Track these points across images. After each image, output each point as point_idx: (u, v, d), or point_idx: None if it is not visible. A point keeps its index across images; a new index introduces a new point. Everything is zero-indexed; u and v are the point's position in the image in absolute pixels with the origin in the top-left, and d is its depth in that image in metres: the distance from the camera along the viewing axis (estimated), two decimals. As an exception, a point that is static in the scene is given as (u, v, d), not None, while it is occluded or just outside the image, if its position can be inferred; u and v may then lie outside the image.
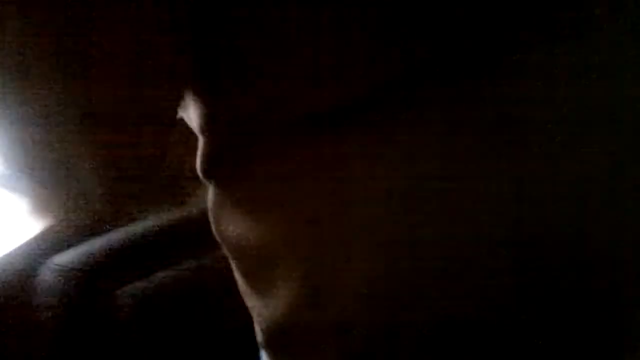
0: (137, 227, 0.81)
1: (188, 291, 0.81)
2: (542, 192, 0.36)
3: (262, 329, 0.44)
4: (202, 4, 0.36)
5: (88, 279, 0.76)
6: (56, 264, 0.74)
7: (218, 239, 0.45)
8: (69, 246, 0.76)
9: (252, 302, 0.44)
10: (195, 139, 0.44)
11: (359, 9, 0.34)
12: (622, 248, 0.38)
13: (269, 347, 0.45)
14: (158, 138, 0.40)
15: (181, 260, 0.82)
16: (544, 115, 0.35)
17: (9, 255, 0.74)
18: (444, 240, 0.36)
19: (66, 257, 0.74)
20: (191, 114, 0.41)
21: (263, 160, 0.39)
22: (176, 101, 0.39)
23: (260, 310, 0.44)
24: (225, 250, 0.45)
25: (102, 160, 0.39)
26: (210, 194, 0.45)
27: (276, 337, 0.44)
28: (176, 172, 0.59)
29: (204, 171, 0.42)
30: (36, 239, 0.76)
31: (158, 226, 0.84)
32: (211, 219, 0.45)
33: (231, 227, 0.43)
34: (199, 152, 0.42)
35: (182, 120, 0.44)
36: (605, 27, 0.36)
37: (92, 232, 0.77)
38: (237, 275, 0.46)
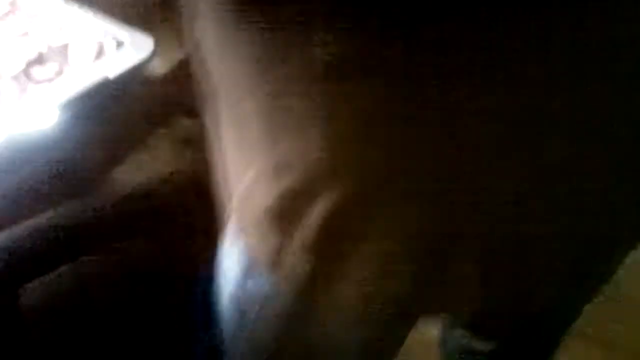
0: (36, 222, 0.82)
1: (95, 284, 0.86)
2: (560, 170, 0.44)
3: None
4: None
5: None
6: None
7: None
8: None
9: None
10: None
11: None
12: (620, 228, 0.49)
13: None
14: None
15: (86, 254, 0.85)
16: (569, 103, 0.40)
17: None
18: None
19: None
20: None
21: None
22: None
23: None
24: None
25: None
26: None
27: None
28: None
29: None
30: None
31: (59, 219, 0.81)
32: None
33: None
34: None
35: None
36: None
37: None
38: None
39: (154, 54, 0.87)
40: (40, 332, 0.77)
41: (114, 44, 0.89)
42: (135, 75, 0.88)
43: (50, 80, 0.84)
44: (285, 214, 0.47)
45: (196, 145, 1.76)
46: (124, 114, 0.95)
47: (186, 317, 0.87)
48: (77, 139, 0.85)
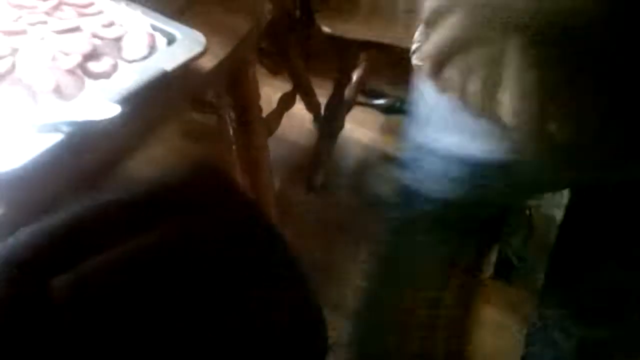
0: (61, 214, 0.83)
1: (124, 274, 0.87)
2: None
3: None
4: None
5: (18, 273, 0.79)
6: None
7: None
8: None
9: None
10: None
11: None
12: None
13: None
14: None
15: (114, 243, 0.87)
16: None
17: None
18: None
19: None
20: None
21: None
22: None
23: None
24: None
25: None
26: None
27: None
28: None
29: None
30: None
31: (84, 211, 0.83)
32: None
33: None
34: None
35: None
36: None
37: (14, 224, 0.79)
38: None
39: (205, 51, 0.89)
40: (71, 324, 0.78)
41: (165, 39, 0.90)
42: (186, 71, 0.89)
43: (107, 74, 0.85)
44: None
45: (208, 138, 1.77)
46: (168, 107, 0.97)
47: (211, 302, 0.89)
48: (133, 133, 0.86)
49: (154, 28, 0.92)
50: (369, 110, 1.98)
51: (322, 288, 1.29)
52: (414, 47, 1.08)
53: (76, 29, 0.90)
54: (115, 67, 0.86)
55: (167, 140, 1.74)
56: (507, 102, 0.62)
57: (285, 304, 0.90)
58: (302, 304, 0.94)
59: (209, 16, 1.00)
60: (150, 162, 1.69)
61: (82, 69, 0.85)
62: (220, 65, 0.95)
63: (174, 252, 0.87)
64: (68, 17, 0.92)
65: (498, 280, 1.51)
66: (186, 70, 0.90)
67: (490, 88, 0.62)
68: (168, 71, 0.85)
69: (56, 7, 0.93)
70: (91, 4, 0.94)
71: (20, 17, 0.89)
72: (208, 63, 0.94)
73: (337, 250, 1.62)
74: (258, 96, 1.43)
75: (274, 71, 2.16)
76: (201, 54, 0.88)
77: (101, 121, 0.79)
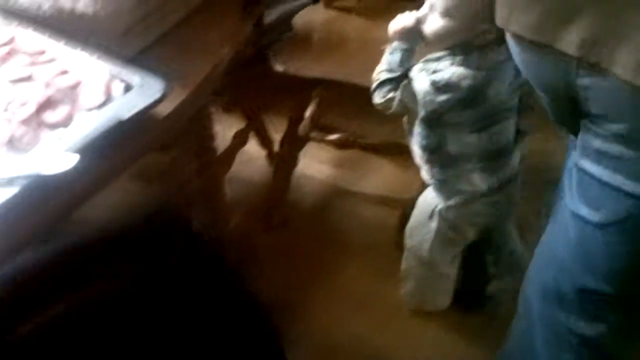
0: (20, 263, 0.81)
1: (84, 323, 0.85)
2: None
3: None
4: None
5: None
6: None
7: None
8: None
9: None
10: None
11: None
12: None
13: None
14: None
15: (73, 290, 0.85)
16: None
17: None
18: None
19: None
20: None
21: None
22: None
23: None
24: None
25: None
26: None
27: None
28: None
29: None
30: None
31: (42, 259, 0.81)
32: None
33: None
34: None
35: None
36: None
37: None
38: None
39: (163, 97, 0.87)
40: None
41: (123, 85, 0.89)
42: (145, 117, 0.88)
43: (63, 123, 0.83)
44: None
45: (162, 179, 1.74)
46: (127, 154, 0.95)
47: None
48: (91, 182, 0.84)
49: (112, 74, 0.90)
50: (323, 145, 1.98)
51: (284, 323, 1.27)
52: (373, 85, 1.09)
53: (28, 78, 0.87)
54: (71, 116, 0.84)
55: (121, 182, 1.70)
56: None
57: (244, 339, 0.88)
58: (260, 337, 0.92)
59: (168, 59, 0.99)
60: (105, 205, 1.65)
61: (37, 119, 0.82)
62: (180, 108, 0.93)
63: (131, 299, 0.85)
64: (20, 65, 0.89)
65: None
66: (145, 115, 0.89)
67: None
68: (125, 119, 0.83)
69: (7, 55, 0.91)
70: (43, 52, 0.92)
71: (-31, 67, 0.87)
72: (167, 107, 0.93)
73: (299, 286, 1.60)
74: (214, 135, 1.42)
75: (227, 109, 2.15)
76: (160, 100, 0.86)
77: (58, 173, 0.77)
